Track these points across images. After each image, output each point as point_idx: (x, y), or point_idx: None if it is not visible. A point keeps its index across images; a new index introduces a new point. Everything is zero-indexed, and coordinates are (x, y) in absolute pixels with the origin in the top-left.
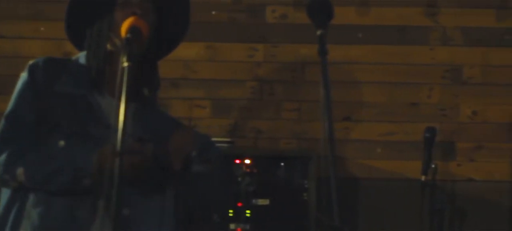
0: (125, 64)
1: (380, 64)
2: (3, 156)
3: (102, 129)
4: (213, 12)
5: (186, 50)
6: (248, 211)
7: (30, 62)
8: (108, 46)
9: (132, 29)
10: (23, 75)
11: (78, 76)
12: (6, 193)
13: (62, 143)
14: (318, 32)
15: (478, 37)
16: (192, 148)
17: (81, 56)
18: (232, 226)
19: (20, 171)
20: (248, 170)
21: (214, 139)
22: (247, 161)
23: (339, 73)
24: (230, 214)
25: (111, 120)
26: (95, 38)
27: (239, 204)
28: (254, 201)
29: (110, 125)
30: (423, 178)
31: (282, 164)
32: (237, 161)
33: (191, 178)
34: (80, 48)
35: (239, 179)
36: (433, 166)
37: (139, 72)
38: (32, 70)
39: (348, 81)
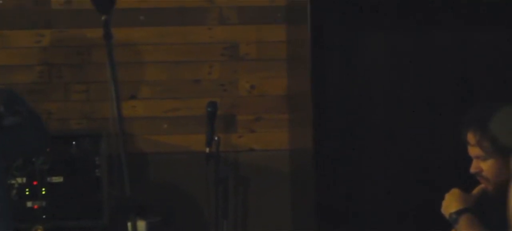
0: None
1: (162, 45)
2: None
3: None
4: (0, 1)
5: None
6: (43, 189)
7: None
8: None
9: None
10: None
11: None
12: None
13: None
14: (103, 18)
15: (252, 15)
16: None
17: None
18: (29, 203)
19: None
20: None
21: None
22: None
23: (124, 54)
24: (27, 193)
25: None
26: None
27: (35, 183)
28: (48, 179)
29: None
30: (207, 150)
31: (74, 142)
32: None
33: (6, 130)
34: None
35: (33, 158)
36: (216, 138)
37: None
38: None
39: (132, 62)
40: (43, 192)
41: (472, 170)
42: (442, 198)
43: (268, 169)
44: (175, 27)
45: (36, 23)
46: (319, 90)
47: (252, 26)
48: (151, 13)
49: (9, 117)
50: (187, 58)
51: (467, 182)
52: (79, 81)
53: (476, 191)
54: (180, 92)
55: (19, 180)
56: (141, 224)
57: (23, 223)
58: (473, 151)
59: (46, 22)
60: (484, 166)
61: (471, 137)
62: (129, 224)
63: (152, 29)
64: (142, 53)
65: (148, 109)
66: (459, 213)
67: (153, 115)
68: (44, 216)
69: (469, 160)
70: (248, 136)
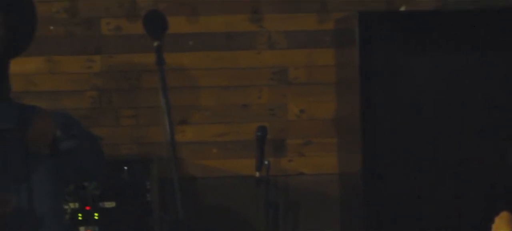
0: None
1: (211, 70)
2: None
3: None
4: (51, 27)
5: (27, 65)
6: (96, 214)
7: None
8: None
9: None
10: None
11: None
12: None
13: None
14: (155, 44)
15: (301, 39)
16: (55, 129)
17: None
18: (81, 229)
19: None
20: None
21: None
22: None
23: (174, 79)
24: (79, 217)
25: None
26: None
27: (87, 208)
28: (101, 204)
29: None
30: (257, 174)
31: (125, 167)
32: None
33: (63, 155)
34: None
35: (86, 183)
36: (266, 162)
37: None
38: None
39: (182, 87)
40: (96, 217)
41: None
42: (493, 221)
43: (318, 193)
44: (224, 52)
45: (87, 49)
46: (368, 113)
47: (301, 50)
48: (201, 38)
49: (65, 142)
50: (236, 83)
51: None
52: (129, 106)
53: None
54: (230, 117)
55: (71, 205)
56: None
57: None
58: None
59: (96, 48)
60: None
61: None
62: None
63: (201, 54)
64: (191, 78)
65: (198, 134)
66: None
67: (203, 140)
68: None
69: None
70: (297, 160)
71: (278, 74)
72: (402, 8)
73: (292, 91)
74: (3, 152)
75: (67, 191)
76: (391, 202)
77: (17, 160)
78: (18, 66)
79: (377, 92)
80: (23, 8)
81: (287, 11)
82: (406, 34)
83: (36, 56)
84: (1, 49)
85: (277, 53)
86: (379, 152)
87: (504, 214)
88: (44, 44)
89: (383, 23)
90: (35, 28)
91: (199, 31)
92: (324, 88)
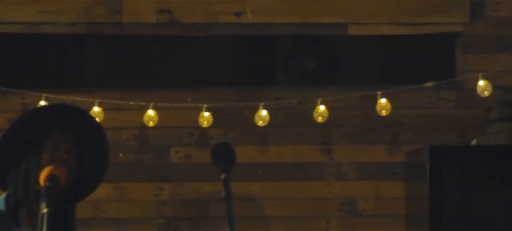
0: (45, 210)
1: (280, 200)
2: None
3: None
4: (121, 154)
5: (95, 191)
6: None
7: None
8: (33, 185)
9: (50, 178)
10: None
11: None
12: None
13: None
14: (223, 176)
15: (370, 171)
16: None
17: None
18: None
19: None
20: None
21: None
22: None
23: (242, 209)
24: None
25: None
26: (22, 176)
27: None
28: None
29: None
30: None
31: None
32: None
33: None
34: (2, 186)
35: None
36: None
37: (58, 212)
38: None
39: (251, 217)
40: None
41: None
42: None
43: None
44: (293, 182)
45: (155, 176)
46: None
47: (370, 182)
48: (270, 168)
49: None
50: (305, 213)
51: None
52: None
53: None
54: None
55: None
56: None
57: None
58: None
59: (165, 175)
60: None
61: None
62: None
63: (270, 184)
64: (259, 208)
65: None
66: None
67: None
68: None
69: None
70: None
71: (347, 206)
72: (474, 142)
73: (361, 223)
74: None
75: None
76: None
77: None
78: None
79: (448, 226)
80: (95, 139)
81: (357, 143)
82: (477, 168)
83: (104, 183)
84: (70, 186)
85: (346, 185)
86: None
87: None
88: (113, 171)
89: (454, 157)
90: (107, 165)
91: (269, 160)
92: (393, 221)
